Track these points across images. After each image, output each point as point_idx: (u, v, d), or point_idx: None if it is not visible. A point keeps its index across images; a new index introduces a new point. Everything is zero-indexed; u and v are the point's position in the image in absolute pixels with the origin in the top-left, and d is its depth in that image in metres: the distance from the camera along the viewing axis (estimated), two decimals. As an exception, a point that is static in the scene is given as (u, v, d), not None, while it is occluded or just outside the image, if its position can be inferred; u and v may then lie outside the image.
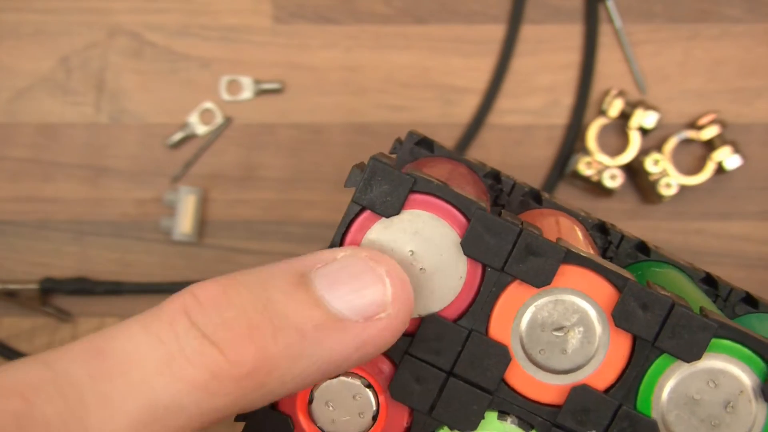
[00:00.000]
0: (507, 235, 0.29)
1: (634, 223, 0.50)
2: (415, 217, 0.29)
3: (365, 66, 0.50)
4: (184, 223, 0.49)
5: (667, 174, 0.48)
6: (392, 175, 0.29)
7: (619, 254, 0.38)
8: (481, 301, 0.29)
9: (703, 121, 0.49)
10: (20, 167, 0.50)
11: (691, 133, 0.49)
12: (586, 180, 0.49)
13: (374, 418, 0.30)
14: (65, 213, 0.50)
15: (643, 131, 0.49)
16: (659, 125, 0.49)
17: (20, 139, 0.50)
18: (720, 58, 0.50)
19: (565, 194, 0.50)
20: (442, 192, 0.29)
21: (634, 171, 0.49)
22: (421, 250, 0.29)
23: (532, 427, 0.30)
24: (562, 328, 0.29)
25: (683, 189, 0.49)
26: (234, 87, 0.50)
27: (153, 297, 0.50)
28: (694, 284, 0.38)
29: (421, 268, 0.29)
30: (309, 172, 0.50)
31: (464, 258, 0.29)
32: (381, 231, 0.30)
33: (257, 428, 0.30)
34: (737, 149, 0.48)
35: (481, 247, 0.29)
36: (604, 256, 0.38)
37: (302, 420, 0.30)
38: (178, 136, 0.50)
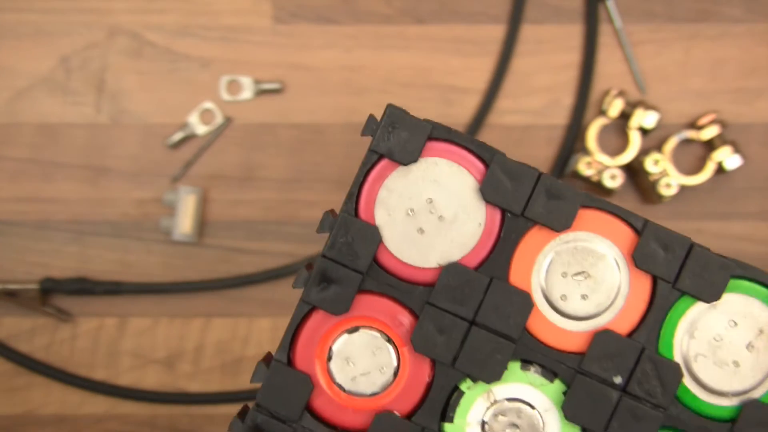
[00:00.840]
0: (526, 179, 0.29)
1: (634, 223, 0.50)
2: (432, 164, 0.29)
3: (365, 66, 0.50)
4: (184, 223, 0.49)
5: (667, 174, 0.48)
6: (410, 122, 0.29)
7: None
8: (501, 248, 0.29)
9: (703, 121, 0.49)
10: (20, 167, 0.50)
11: (691, 133, 0.49)
12: (586, 180, 0.49)
13: (395, 373, 0.29)
14: (65, 213, 0.50)
15: (643, 131, 0.49)
16: (659, 125, 0.49)
17: (20, 139, 0.50)
18: (720, 58, 0.50)
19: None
20: (460, 138, 0.29)
21: (634, 171, 0.49)
22: (439, 198, 0.29)
23: (556, 376, 0.29)
24: (583, 273, 0.29)
25: (683, 189, 0.49)
26: (234, 87, 0.50)
27: (153, 297, 0.50)
28: None
29: (440, 216, 0.29)
30: (309, 172, 0.50)
31: (483, 204, 0.29)
32: (399, 179, 0.29)
33: (274, 390, 0.29)
34: (737, 149, 0.48)
35: (501, 192, 0.29)
36: None
37: (321, 378, 0.30)
38: (178, 136, 0.50)
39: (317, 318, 0.30)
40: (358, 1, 0.50)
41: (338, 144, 0.50)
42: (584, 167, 0.49)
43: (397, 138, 0.29)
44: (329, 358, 0.30)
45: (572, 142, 0.50)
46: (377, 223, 0.29)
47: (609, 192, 0.49)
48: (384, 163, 0.29)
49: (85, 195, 0.50)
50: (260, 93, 0.50)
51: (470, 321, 0.29)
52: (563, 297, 0.29)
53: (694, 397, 0.29)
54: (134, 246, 0.50)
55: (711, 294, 0.28)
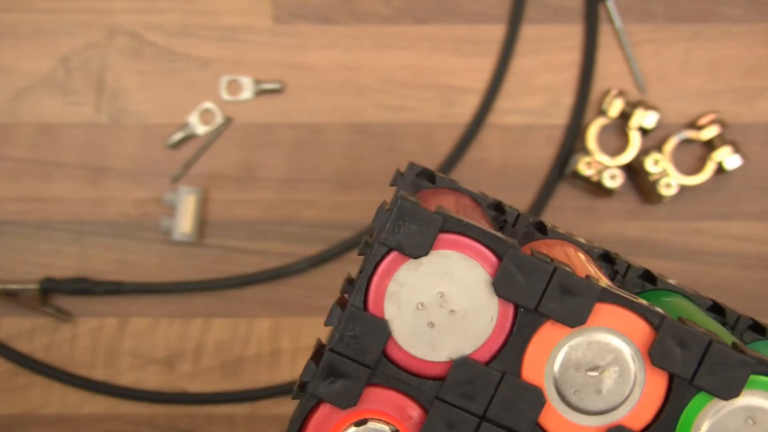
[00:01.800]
0: (540, 274, 0.28)
1: (634, 223, 0.50)
2: (444, 257, 0.29)
3: (365, 66, 0.50)
4: (184, 223, 0.49)
5: (667, 174, 0.48)
6: (421, 215, 0.28)
7: (626, 284, 0.37)
8: (514, 343, 0.28)
9: (703, 121, 0.49)
10: (20, 167, 0.50)
11: (691, 133, 0.49)
12: (586, 180, 0.49)
13: None
14: (65, 213, 0.50)
15: (643, 131, 0.49)
16: (659, 125, 0.49)
17: (20, 139, 0.50)
18: (720, 58, 0.50)
19: (565, 194, 0.50)
20: (472, 231, 0.28)
21: (634, 171, 0.49)
22: (451, 292, 0.28)
23: None
24: (597, 368, 0.28)
25: (683, 189, 0.49)
26: (234, 87, 0.50)
27: (153, 297, 0.50)
28: (705, 313, 0.37)
29: (452, 310, 0.28)
30: (309, 172, 0.50)
31: (495, 298, 0.28)
32: (409, 273, 0.29)
33: None
34: (737, 149, 0.48)
35: (514, 287, 0.28)
36: None
37: None
38: (178, 136, 0.50)
39: (324, 411, 0.29)
40: (358, 1, 0.50)
41: (338, 144, 0.50)
42: (584, 167, 0.49)
43: (407, 231, 0.28)
44: None
45: (572, 142, 0.50)
46: (386, 317, 0.29)
47: (609, 192, 0.49)
48: (393, 255, 0.29)
49: (85, 195, 0.50)
50: (260, 93, 0.50)
51: (480, 416, 0.29)
52: (576, 392, 0.29)
53: None
54: (134, 246, 0.50)
55: (730, 391, 0.28)
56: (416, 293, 0.28)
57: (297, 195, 0.50)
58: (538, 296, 0.28)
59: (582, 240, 0.37)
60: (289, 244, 0.50)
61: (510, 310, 0.29)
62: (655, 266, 0.50)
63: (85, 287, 0.49)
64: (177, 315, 0.50)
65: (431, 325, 0.29)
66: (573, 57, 0.50)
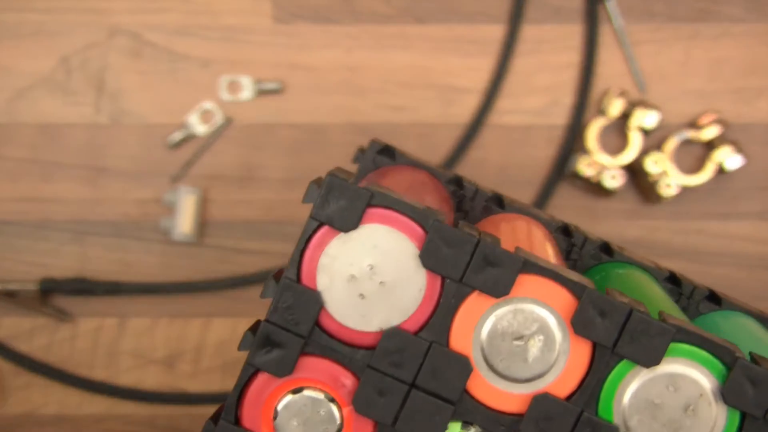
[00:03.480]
0: (464, 246, 0.29)
1: (634, 223, 0.50)
2: (373, 231, 0.30)
3: (365, 66, 0.50)
4: (184, 223, 0.49)
5: (668, 174, 0.48)
6: (349, 190, 0.29)
7: (583, 256, 0.38)
8: (441, 313, 0.30)
9: (703, 121, 0.49)
10: (20, 167, 0.50)
11: (691, 133, 0.49)
12: (586, 180, 0.49)
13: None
14: (65, 213, 0.50)
15: (643, 131, 0.49)
16: (659, 125, 0.49)
17: (20, 139, 0.50)
18: (720, 58, 0.50)
19: (565, 194, 0.50)
20: (399, 205, 0.29)
21: (634, 171, 0.49)
22: (380, 264, 0.29)
23: None
24: (523, 337, 0.29)
25: (683, 189, 0.49)
26: (234, 87, 0.50)
27: (153, 297, 0.50)
28: (658, 285, 0.37)
29: (381, 282, 0.29)
30: (309, 172, 0.50)
31: (423, 270, 0.29)
32: (339, 246, 0.30)
33: None
34: (738, 149, 0.48)
35: (440, 259, 0.29)
36: (567, 258, 0.38)
37: None
38: (178, 136, 0.50)
39: (262, 379, 0.31)
40: (358, 1, 0.50)
41: (338, 144, 0.50)
42: (584, 167, 0.49)
43: (337, 206, 0.29)
44: (275, 417, 0.30)
45: (572, 142, 0.50)
46: (319, 289, 0.30)
47: (609, 192, 0.49)
48: (324, 230, 0.30)
49: (85, 195, 0.50)
50: (260, 93, 0.50)
51: (410, 384, 0.30)
52: (503, 360, 0.29)
53: None
54: (134, 246, 0.50)
55: (650, 359, 0.29)
56: (347, 265, 0.29)
57: (297, 195, 0.50)
58: (463, 268, 0.29)
59: (542, 214, 0.38)
60: (289, 244, 0.50)
61: (437, 282, 0.30)
62: (655, 266, 0.50)
63: (84, 287, 0.49)
64: (177, 315, 0.50)
65: (362, 296, 0.30)
66: (573, 57, 0.50)
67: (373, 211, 0.30)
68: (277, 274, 0.31)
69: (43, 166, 0.50)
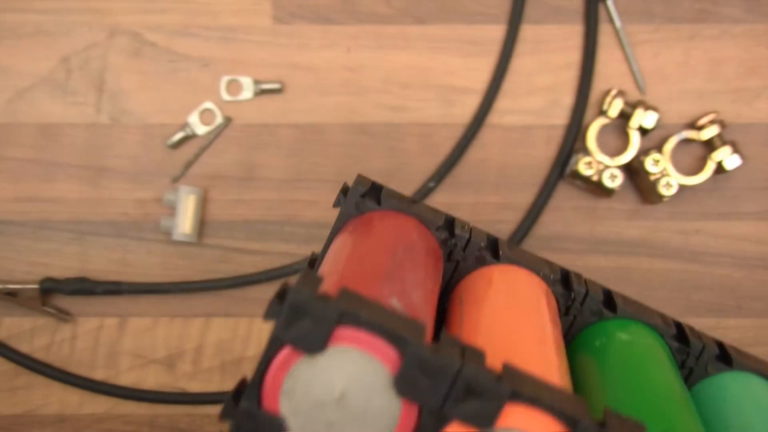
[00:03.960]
0: (443, 375, 0.26)
1: (634, 223, 0.50)
2: (342, 354, 0.26)
3: (365, 66, 0.50)
4: (184, 223, 0.49)
5: (667, 174, 0.48)
6: (315, 310, 0.26)
7: (583, 311, 0.35)
8: None
9: (702, 121, 0.49)
10: (21, 167, 0.50)
11: (690, 133, 0.49)
12: (586, 180, 0.49)
13: None
14: (66, 213, 0.50)
15: (643, 131, 0.49)
16: (659, 125, 0.49)
17: (21, 140, 0.50)
18: (720, 58, 0.50)
19: (565, 194, 0.50)
20: (371, 327, 0.26)
21: (634, 171, 0.49)
22: (350, 390, 0.26)
23: None
24: None
25: (683, 189, 0.49)
26: (234, 87, 0.50)
27: (153, 297, 0.50)
28: (664, 349, 0.34)
29: (351, 409, 0.26)
30: (309, 172, 0.50)
31: (398, 397, 0.26)
32: (305, 369, 0.26)
33: None
34: (737, 149, 0.48)
35: (416, 387, 0.26)
36: (566, 314, 0.35)
37: None
38: (178, 136, 0.50)
39: None
40: (358, 1, 0.50)
41: (338, 144, 0.50)
42: (584, 167, 0.49)
43: (301, 327, 0.26)
44: None
45: (572, 142, 0.50)
46: (282, 413, 0.27)
47: (609, 192, 0.49)
48: (288, 349, 0.26)
49: (85, 195, 0.50)
50: (260, 93, 0.50)
51: None
52: None
53: None
54: (134, 246, 0.50)
55: None
56: (313, 391, 0.26)
57: (297, 195, 0.50)
58: (442, 397, 0.26)
59: (541, 263, 0.35)
60: (289, 244, 0.50)
61: (414, 410, 0.26)
62: (655, 266, 0.50)
63: (85, 287, 0.49)
64: (177, 315, 0.50)
65: (330, 425, 0.26)
66: (573, 57, 0.50)
67: (342, 332, 0.26)
68: (239, 386, 0.27)
69: (43, 166, 0.50)
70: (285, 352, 0.26)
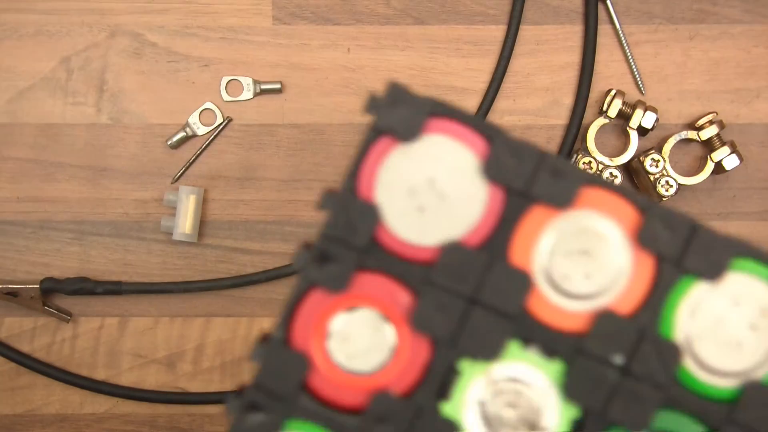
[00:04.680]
0: (529, 156, 0.28)
1: (633, 222, 0.50)
2: (434, 142, 0.29)
3: (365, 66, 0.50)
4: (184, 223, 0.49)
5: (666, 174, 0.48)
6: (411, 99, 0.29)
7: None
8: (503, 227, 0.29)
9: (701, 121, 0.49)
10: (21, 167, 0.50)
11: (690, 133, 0.49)
12: (585, 180, 0.49)
13: (394, 352, 0.29)
14: (66, 213, 0.50)
15: (643, 131, 0.49)
16: (658, 125, 0.49)
17: (21, 140, 0.50)
18: (719, 59, 0.50)
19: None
20: (462, 116, 0.29)
21: (633, 171, 0.50)
22: (441, 176, 0.28)
23: (556, 355, 0.29)
24: (585, 252, 0.28)
25: (682, 189, 0.49)
26: (234, 87, 0.50)
27: (153, 297, 0.50)
28: None
29: (441, 195, 0.28)
30: (309, 172, 0.50)
31: (485, 183, 0.28)
32: (399, 157, 0.29)
33: (271, 369, 0.28)
34: (736, 149, 0.49)
35: (503, 169, 0.28)
36: None
37: (319, 357, 0.29)
38: (178, 136, 0.50)
39: (316, 296, 0.29)
40: (358, 1, 0.50)
41: (338, 144, 0.50)
42: (584, 167, 0.49)
43: (399, 115, 0.28)
44: (327, 337, 0.29)
45: (572, 142, 0.50)
46: (377, 201, 0.29)
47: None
48: (384, 141, 0.29)
49: (85, 195, 0.50)
50: (260, 93, 0.50)
51: (469, 299, 0.28)
52: (565, 276, 0.28)
53: (695, 378, 0.29)
54: (135, 246, 0.50)
55: (714, 274, 0.28)
56: (406, 178, 0.28)
57: (297, 195, 0.50)
58: (527, 178, 0.28)
59: None
60: (289, 244, 0.50)
61: (499, 195, 0.29)
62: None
63: (85, 287, 0.49)
64: (177, 315, 0.50)
65: (421, 209, 0.29)
66: (573, 57, 0.50)
67: (435, 122, 0.29)
68: (332, 190, 0.29)
69: (44, 166, 0.50)
70: (382, 141, 0.29)
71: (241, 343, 0.50)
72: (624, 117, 0.49)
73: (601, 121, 0.49)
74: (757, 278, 0.28)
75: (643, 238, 0.28)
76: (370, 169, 0.29)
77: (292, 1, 0.50)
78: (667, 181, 0.48)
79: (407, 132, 0.28)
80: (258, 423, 0.28)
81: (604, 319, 0.28)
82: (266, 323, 0.50)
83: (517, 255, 0.29)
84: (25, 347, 0.50)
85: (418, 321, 0.28)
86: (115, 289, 0.49)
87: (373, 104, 0.29)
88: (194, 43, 0.50)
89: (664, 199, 0.49)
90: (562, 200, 0.28)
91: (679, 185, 0.49)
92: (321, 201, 0.29)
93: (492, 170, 0.28)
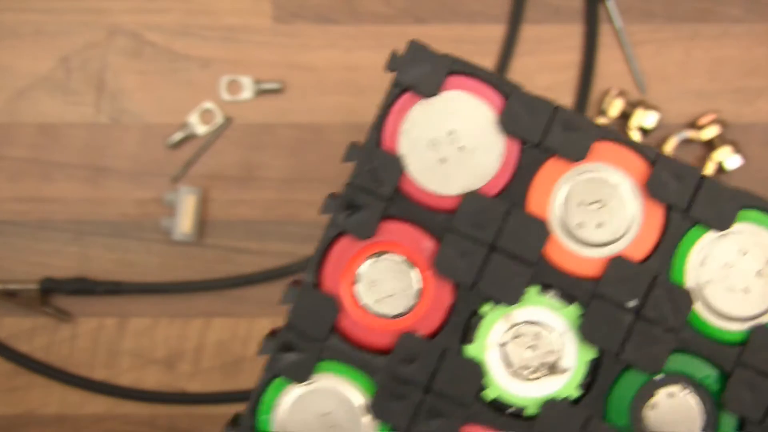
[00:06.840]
0: (544, 110, 0.30)
1: (634, 223, 0.50)
2: (453, 97, 0.31)
3: (365, 66, 0.50)
4: (184, 223, 0.49)
5: (667, 174, 0.48)
6: (432, 57, 0.31)
7: None
8: (520, 178, 0.31)
9: (703, 121, 0.49)
10: (20, 167, 0.50)
11: (691, 133, 0.49)
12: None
13: (419, 296, 0.31)
14: (65, 213, 0.50)
15: (644, 131, 0.49)
16: (659, 125, 0.49)
17: (20, 139, 0.50)
18: (720, 58, 0.50)
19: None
20: (480, 73, 0.31)
21: (634, 171, 0.49)
22: (460, 130, 0.30)
23: (573, 300, 0.31)
24: (598, 202, 0.30)
25: (683, 189, 0.49)
26: (234, 87, 0.50)
27: (153, 297, 0.50)
28: None
29: (461, 147, 0.30)
30: (309, 172, 0.50)
31: (502, 136, 0.31)
32: (421, 111, 0.31)
33: (303, 311, 0.31)
34: (737, 149, 0.48)
35: (519, 123, 0.30)
36: None
37: (347, 300, 0.31)
38: (178, 136, 0.50)
39: (344, 243, 0.31)
40: (358, 1, 0.50)
41: (338, 144, 0.50)
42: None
43: (419, 72, 0.31)
44: (355, 281, 0.31)
45: (572, 142, 0.50)
46: (400, 153, 0.31)
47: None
48: (407, 96, 0.31)
49: (85, 195, 0.50)
50: (260, 93, 0.50)
51: (490, 246, 0.30)
52: (579, 225, 0.30)
53: (705, 322, 0.30)
54: (134, 246, 0.50)
55: (722, 223, 0.30)
56: (428, 131, 0.31)
57: (297, 195, 0.50)
58: (542, 132, 0.30)
59: None
60: (289, 244, 0.50)
61: (515, 147, 0.31)
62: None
63: (85, 287, 0.49)
64: (177, 315, 0.50)
65: (442, 160, 0.31)
66: (573, 57, 0.50)
67: (454, 79, 0.31)
68: (357, 143, 0.31)
69: (43, 166, 0.50)
70: (404, 97, 0.31)
71: (240, 343, 0.50)
72: (625, 117, 0.49)
73: (601, 121, 0.49)
74: (764, 228, 0.30)
75: (652, 188, 0.30)
76: (393, 123, 0.31)
77: (292, 1, 0.50)
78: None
79: (428, 88, 0.31)
80: (291, 362, 0.31)
81: (618, 265, 0.30)
82: (266, 323, 0.50)
83: (533, 204, 0.31)
84: (23, 347, 0.50)
85: (441, 266, 0.30)
86: (114, 289, 0.49)
87: (395, 61, 0.31)
88: (194, 43, 0.50)
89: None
90: (576, 153, 0.30)
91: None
92: (346, 153, 0.31)
93: (508, 124, 0.30)
